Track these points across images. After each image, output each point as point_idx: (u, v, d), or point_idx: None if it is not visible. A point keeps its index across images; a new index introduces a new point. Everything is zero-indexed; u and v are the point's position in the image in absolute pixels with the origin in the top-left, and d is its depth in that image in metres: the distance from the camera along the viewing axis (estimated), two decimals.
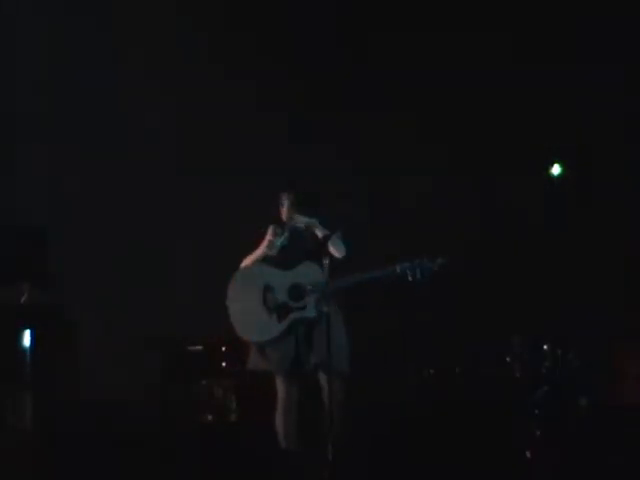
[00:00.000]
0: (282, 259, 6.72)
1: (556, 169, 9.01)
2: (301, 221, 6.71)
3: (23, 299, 7.67)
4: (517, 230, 9.03)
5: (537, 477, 6.73)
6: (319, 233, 6.64)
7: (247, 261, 6.95)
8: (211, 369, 8.62)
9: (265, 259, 6.82)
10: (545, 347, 8.19)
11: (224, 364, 8.63)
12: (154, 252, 9.32)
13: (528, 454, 6.86)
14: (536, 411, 7.38)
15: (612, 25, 9.05)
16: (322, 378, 6.63)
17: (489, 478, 6.67)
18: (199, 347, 8.74)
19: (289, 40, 9.47)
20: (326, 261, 6.43)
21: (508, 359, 8.31)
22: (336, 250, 6.63)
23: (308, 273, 6.60)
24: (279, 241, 6.71)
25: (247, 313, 6.71)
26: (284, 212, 6.84)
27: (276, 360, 6.68)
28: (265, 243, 6.79)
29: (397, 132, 9.32)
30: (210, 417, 8.44)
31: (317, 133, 9.40)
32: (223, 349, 8.69)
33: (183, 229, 9.38)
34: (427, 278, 6.36)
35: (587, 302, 8.55)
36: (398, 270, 6.42)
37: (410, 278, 6.39)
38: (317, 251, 6.59)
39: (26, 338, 7.49)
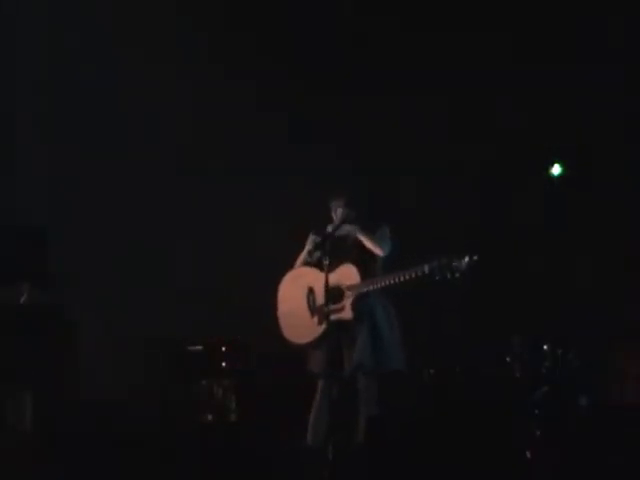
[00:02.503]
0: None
1: (556, 169, 9.00)
2: (345, 230, 6.68)
3: (23, 299, 7.67)
4: (517, 230, 9.02)
5: (537, 477, 6.73)
6: (361, 237, 6.64)
7: (297, 263, 6.93)
8: (211, 369, 8.62)
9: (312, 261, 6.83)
10: (545, 347, 8.18)
11: (224, 364, 8.63)
12: (154, 252, 9.32)
13: (528, 454, 6.86)
14: (536, 411, 7.38)
15: (612, 25, 9.05)
16: (360, 381, 6.64)
17: (489, 478, 6.67)
18: (199, 347, 8.74)
19: (289, 40, 9.47)
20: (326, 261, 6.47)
21: (508, 359, 8.30)
22: (376, 248, 6.62)
23: (346, 275, 6.60)
24: (317, 255, 6.68)
25: (292, 315, 6.79)
26: (335, 218, 6.82)
27: (317, 362, 6.70)
28: (305, 250, 6.79)
29: (397, 132, 9.32)
30: (210, 417, 8.44)
31: (317, 133, 9.39)
32: (223, 349, 8.69)
33: (183, 229, 9.38)
34: (457, 277, 6.30)
35: (587, 302, 8.55)
36: (427, 270, 6.36)
37: (438, 278, 6.34)
38: (360, 253, 6.63)
39: (26, 338, 7.49)
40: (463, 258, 6.26)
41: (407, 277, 6.42)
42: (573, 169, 9.02)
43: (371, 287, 6.52)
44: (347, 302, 6.57)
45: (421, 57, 9.30)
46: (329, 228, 6.78)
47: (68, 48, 9.44)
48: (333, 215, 6.85)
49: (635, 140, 8.98)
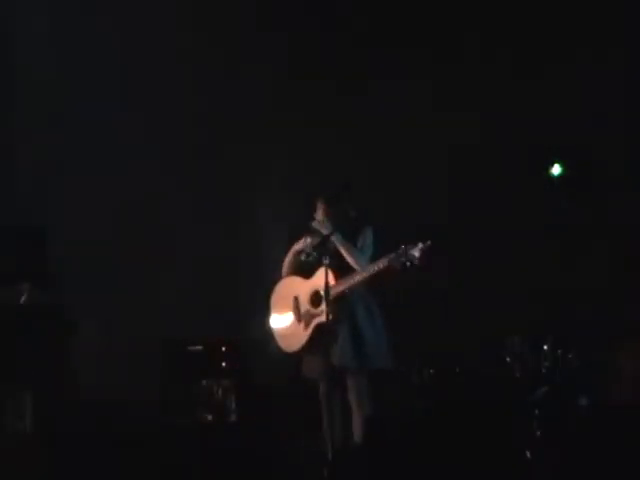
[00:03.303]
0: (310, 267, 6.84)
1: (556, 169, 9.00)
2: (338, 240, 6.72)
3: (23, 299, 7.66)
4: (517, 230, 9.02)
5: (537, 477, 6.73)
6: (342, 251, 6.68)
7: (284, 268, 6.99)
8: (211, 369, 8.62)
9: (297, 268, 6.90)
10: (545, 347, 8.18)
11: (224, 364, 8.64)
12: (154, 252, 9.32)
13: (528, 454, 6.86)
14: (536, 411, 7.37)
15: (612, 24, 9.05)
16: (349, 381, 6.68)
17: (489, 478, 6.67)
18: (199, 347, 8.74)
19: (289, 40, 9.47)
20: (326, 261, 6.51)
21: (508, 359, 8.30)
22: (355, 264, 6.68)
23: (322, 279, 6.65)
24: (314, 255, 6.81)
25: (282, 325, 6.94)
26: (318, 217, 6.92)
27: (312, 367, 6.83)
28: (292, 253, 6.83)
29: (397, 132, 9.31)
30: (210, 417, 8.44)
31: (317, 132, 9.38)
32: (223, 349, 8.70)
33: (183, 229, 9.37)
34: (416, 265, 6.36)
35: (587, 302, 8.55)
36: (386, 263, 6.46)
37: (398, 268, 6.39)
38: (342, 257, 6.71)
39: (26, 338, 7.49)
40: (416, 245, 6.32)
41: (371, 272, 6.55)
42: (573, 169, 9.01)
43: (342, 288, 6.59)
44: (325, 309, 6.64)
45: (423, 56, 9.29)
46: (324, 230, 6.79)
47: (68, 48, 9.44)
48: (315, 215, 6.92)
49: (635, 140, 8.98)
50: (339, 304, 6.62)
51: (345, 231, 6.75)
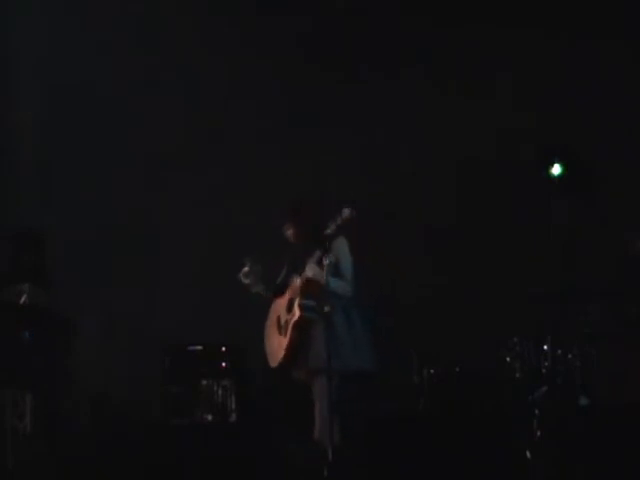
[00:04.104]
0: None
1: (556, 169, 9.00)
2: (312, 271, 6.78)
3: (23, 299, 7.67)
4: (517, 230, 9.02)
5: (537, 477, 6.73)
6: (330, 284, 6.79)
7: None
8: (211, 369, 8.63)
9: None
10: (545, 347, 8.18)
11: (224, 364, 8.64)
12: (155, 252, 9.32)
13: (528, 454, 6.86)
14: (536, 411, 7.38)
15: (613, 23, 9.05)
16: (317, 382, 6.77)
17: (489, 478, 6.67)
18: (199, 347, 8.75)
19: (291, 40, 9.48)
20: (326, 261, 6.57)
21: (508, 359, 8.30)
22: (344, 292, 6.85)
23: (293, 287, 7.00)
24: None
25: (270, 344, 7.16)
26: (288, 236, 7.16)
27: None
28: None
29: (397, 133, 9.32)
30: (210, 417, 8.45)
31: (317, 134, 9.39)
32: (223, 349, 8.70)
33: (184, 230, 9.37)
34: (339, 225, 6.69)
35: (587, 301, 8.54)
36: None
37: (335, 232, 6.73)
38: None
39: (26, 338, 7.49)
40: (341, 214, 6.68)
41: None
42: (573, 169, 9.01)
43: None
44: (296, 307, 6.90)
45: (423, 57, 9.30)
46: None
47: (69, 49, 9.46)
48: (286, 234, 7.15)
49: (635, 140, 8.98)
50: (306, 302, 6.82)
51: (319, 243, 6.83)
